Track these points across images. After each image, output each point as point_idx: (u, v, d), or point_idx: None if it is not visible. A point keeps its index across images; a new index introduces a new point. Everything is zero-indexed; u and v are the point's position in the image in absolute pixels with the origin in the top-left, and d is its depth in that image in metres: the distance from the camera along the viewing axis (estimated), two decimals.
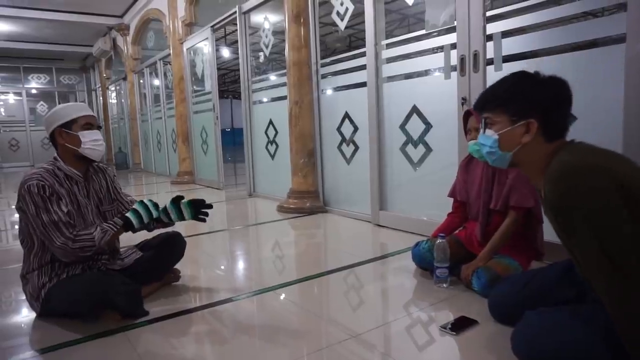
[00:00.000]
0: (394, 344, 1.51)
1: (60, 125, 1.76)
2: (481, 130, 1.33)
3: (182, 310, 1.81)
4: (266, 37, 4.47)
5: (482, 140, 1.33)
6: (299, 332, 1.62)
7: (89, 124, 1.79)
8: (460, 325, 1.55)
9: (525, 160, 1.27)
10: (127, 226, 1.76)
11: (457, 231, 2.17)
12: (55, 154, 1.81)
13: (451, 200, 2.21)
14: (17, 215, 1.77)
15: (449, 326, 1.54)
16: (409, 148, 3.02)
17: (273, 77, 4.70)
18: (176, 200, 1.81)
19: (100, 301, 1.65)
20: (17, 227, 1.81)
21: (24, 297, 1.82)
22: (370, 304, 1.91)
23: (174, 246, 2.09)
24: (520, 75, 1.28)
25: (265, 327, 1.68)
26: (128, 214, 1.76)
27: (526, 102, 1.23)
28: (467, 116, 1.98)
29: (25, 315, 1.84)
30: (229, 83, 17.56)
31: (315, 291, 2.09)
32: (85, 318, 1.68)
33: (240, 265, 2.62)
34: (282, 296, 1.98)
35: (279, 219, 3.70)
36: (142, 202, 1.80)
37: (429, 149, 2.88)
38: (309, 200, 3.87)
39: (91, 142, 1.77)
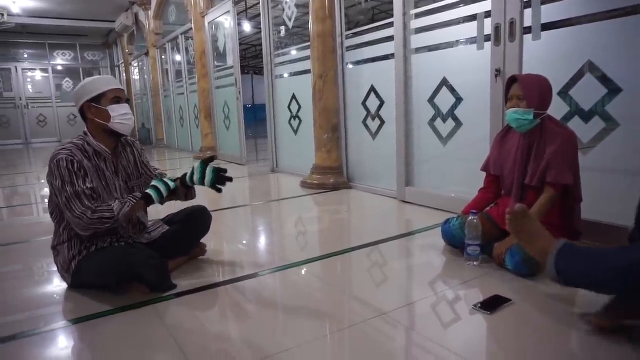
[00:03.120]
0: (422, 322, 1.47)
1: (89, 99, 1.74)
2: None
3: (208, 285, 1.82)
4: (289, 9, 4.35)
5: None
6: (323, 309, 1.60)
7: (118, 97, 1.76)
8: (493, 304, 1.50)
9: None
10: (147, 200, 1.73)
11: (488, 208, 2.09)
12: (85, 129, 1.80)
13: (482, 176, 2.13)
14: (47, 189, 1.79)
15: (479, 305, 1.50)
16: (438, 122, 2.92)
17: (296, 51, 4.60)
18: (206, 162, 1.78)
19: (128, 274, 1.67)
20: (47, 200, 1.82)
21: (55, 268, 1.86)
22: (397, 281, 1.87)
23: (200, 220, 2.08)
24: None
25: (289, 304, 1.67)
26: (148, 190, 1.74)
27: None
28: (510, 83, 1.88)
29: (57, 285, 1.88)
30: (250, 59, 17.40)
31: (339, 268, 2.06)
32: (115, 290, 1.70)
33: (264, 240, 2.62)
34: (304, 271, 1.96)
35: (302, 195, 3.67)
36: (161, 178, 1.79)
37: (459, 124, 2.78)
38: (332, 176, 3.83)
39: (120, 117, 1.75)
